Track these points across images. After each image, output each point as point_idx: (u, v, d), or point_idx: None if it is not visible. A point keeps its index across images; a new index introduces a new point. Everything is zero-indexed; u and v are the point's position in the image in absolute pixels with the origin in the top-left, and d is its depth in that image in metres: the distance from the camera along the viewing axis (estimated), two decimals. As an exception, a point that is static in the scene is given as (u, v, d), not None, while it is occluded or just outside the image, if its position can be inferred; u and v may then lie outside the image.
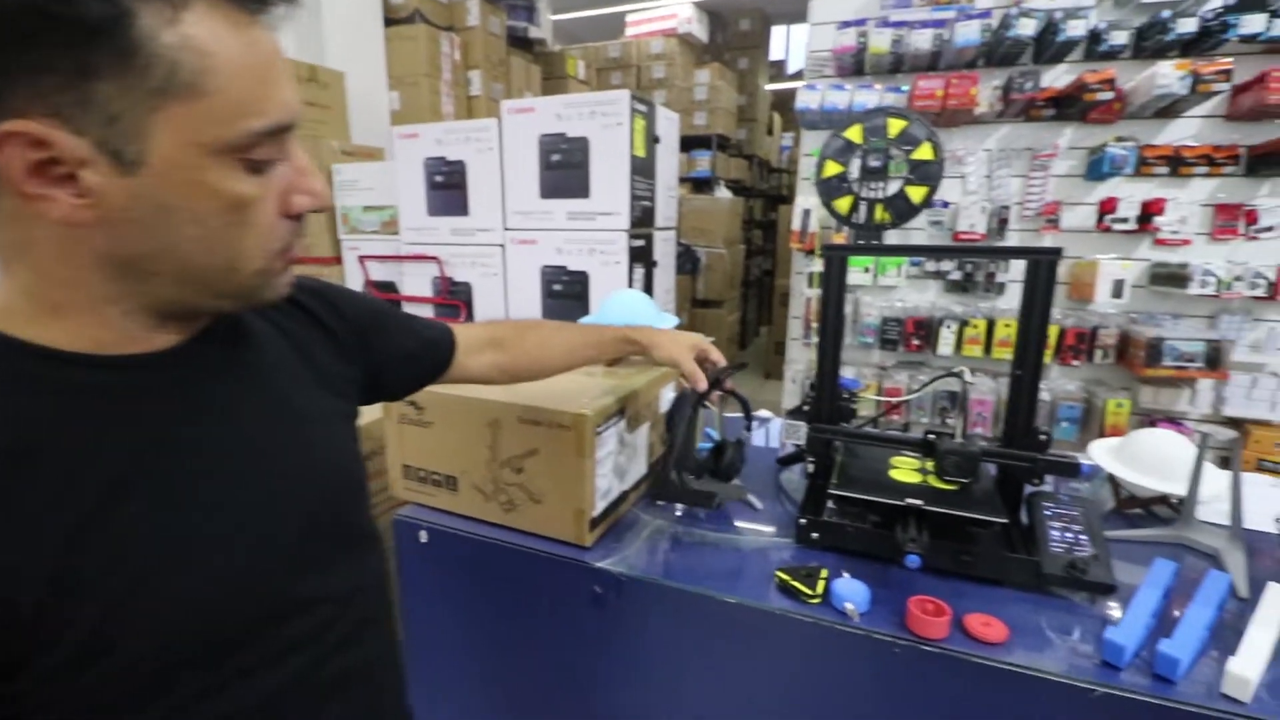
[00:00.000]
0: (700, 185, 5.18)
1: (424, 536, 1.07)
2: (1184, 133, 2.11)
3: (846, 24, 2.26)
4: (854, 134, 1.08)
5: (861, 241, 1.13)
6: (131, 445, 0.44)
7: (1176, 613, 0.80)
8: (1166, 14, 1.95)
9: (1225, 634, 0.77)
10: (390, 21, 3.41)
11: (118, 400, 0.44)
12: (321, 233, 2.65)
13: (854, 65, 2.34)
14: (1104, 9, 2.12)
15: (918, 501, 0.89)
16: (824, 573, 0.87)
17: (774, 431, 1.53)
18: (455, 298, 2.40)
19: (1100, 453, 1.15)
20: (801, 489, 1.15)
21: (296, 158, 0.46)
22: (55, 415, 0.42)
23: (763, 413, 1.58)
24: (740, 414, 1.09)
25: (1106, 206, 2.16)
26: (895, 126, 1.06)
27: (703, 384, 0.91)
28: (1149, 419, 2.19)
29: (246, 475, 0.49)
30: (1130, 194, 2.14)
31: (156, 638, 0.43)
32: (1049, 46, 2.08)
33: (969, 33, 2.09)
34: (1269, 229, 2.02)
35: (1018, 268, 2.29)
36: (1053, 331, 2.17)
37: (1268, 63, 1.93)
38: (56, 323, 0.43)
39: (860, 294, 2.45)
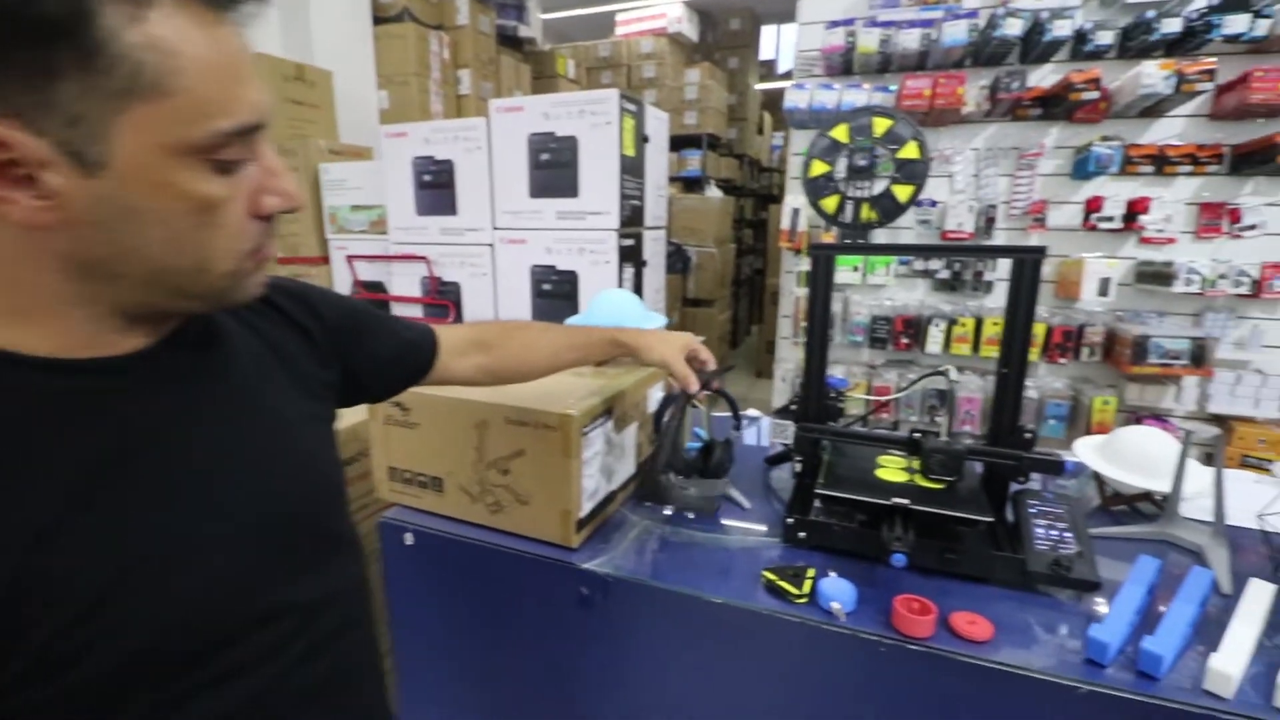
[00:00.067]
0: (691, 184, 5.18)
1: (410, 539, 1.06)
2: (1168, 132, 2.13)
3: (835, 24, 2.27)
4: (840, 133, 1.08)
5: (848, 240, 1.13)
6: (99, 450, 0.43)
7: (1160, 609, 0.81)
8: (1151, 14, 1.97)
9: (1208, 630, 0.78)
10: (379, 20, 3.40)
11: (84, 405, 0.43)
12: (309, 232, 2.63)
13: (842, 65, 2.35)
14: (1090, 9, 2.13)
15: (904, 500, 0.89)
16: (811, 572, 0.87)
17: (764, 430, 1.53)
18: (444, 297, 2.38)
19: (1085, 450, 1.15)
20: (790, 488, 1.15)
21: (266, 158, 0.46)
22: (20, 420, 0.41)
23: (752, 411, 1.58)
24: (729, 413, 1.09)
25: (1092, 205, 2.18)
26: (881, 125, 1.06)
27: (694, 386, 0.90)
28: (1135, 416, 2.21)
29: (219, 479, 0.48)
30: (1116, 193, 2.16)
31: (127, 645, 0.42)
32: (1035, 46, 2.10)
33: (956, 32, 2.10)
34: (1252, 227, 2.04)
35: (1006, 266, 2.31)
36: (1040, 330, 2.18)
37: (1251, 62, 1.96)
38: (20, 327, 0.42)
39: (850, 293, 2.46)
